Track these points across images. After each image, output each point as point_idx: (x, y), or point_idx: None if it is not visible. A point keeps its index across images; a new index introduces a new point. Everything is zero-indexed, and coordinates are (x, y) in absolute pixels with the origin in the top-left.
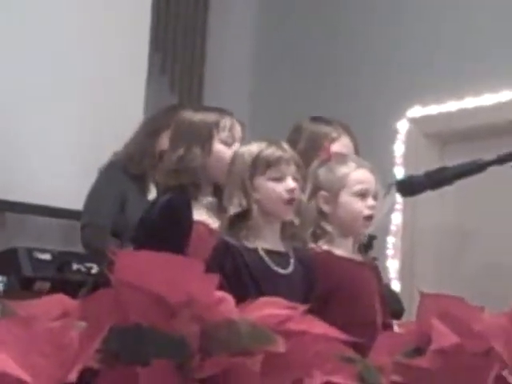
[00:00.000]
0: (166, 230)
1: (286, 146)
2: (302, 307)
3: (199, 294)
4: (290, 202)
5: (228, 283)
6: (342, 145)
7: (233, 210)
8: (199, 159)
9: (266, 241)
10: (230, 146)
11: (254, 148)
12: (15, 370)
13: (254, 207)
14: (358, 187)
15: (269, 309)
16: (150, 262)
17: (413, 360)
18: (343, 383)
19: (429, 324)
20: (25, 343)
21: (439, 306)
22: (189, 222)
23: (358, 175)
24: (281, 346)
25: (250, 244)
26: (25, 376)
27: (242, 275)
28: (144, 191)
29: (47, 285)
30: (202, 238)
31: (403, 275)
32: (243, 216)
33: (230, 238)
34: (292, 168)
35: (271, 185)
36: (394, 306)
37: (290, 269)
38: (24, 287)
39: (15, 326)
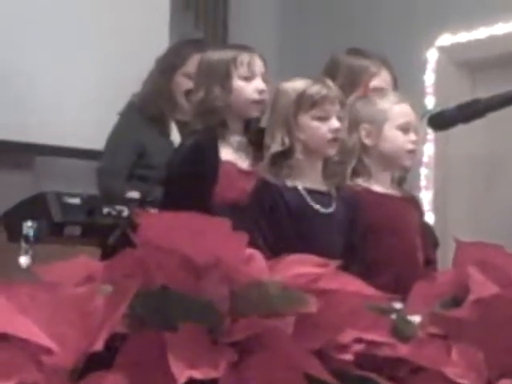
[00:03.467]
0: (194, 172)
1: (331, 83)
2: (333, 264)
3: (227, 254)
4: (334, 141)
5: (267, 222)
6: (381, 80)
7: (275, 147)
8: (220, 98)
9: (307, 180)
10: (250, 81)
11: (299, 85)
12: (40, 337)
13: (297, 146)
14: (401, 120)
15: (299, 267)
16: (175, 222)
17: (450, 311)
18: (376, 339)
19: (466, 273)
20: (49, 310)
21: (476, 254)
22: (215, 163)
23: (400, 109)
24: (312, 307)
25: (290, 183)
26: (50, 344)
27: (281, 213)
28: (164, 132)
29: (78, 229)
30: (230, 177)
31: (437, 207)
32: (285, 154)
33: (270, 177)
34: (337, 107)
35: (315, 124)
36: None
37: (332, 208)
38: (54, 232)
39: (39, 292)
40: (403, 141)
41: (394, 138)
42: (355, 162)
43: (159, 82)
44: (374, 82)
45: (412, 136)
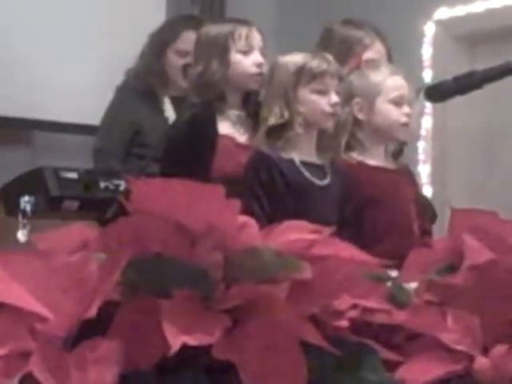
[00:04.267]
0: (191, 145)
1: (330, 58)
2: (328, 230)
3: (220, 221)
4: (332, 115)
5: (264, 193)
6: (375, 51)
7: (273, 120)
8: (219, 72)
9: (302, 152)
10: (247, 55)
11: (299, 58)
12: (34, 305)
13: (297, 119)
14: (394, 94)
15: (293, 233)
16: (167, 189)
17: (446, 278)
18: (371, 306)
19: (461, 240)
20: (43, 277)
21: (471, 221)
22: (213, 136)
23: (393, 82)
24: (307, 272)
25: (286, 155)
26: (44, 311)
27: (278, 185)
28: (158, 108)
29: (75, 204)
30: (228, 151)
31: (435, 180)
32: (282, 126)
33: (266, 149)
34: (335, 81)
35: (314, 97)
36: (426, 212)
37: (327, 180)
38: (52, 207)
39: (33, 260)
40: (396, 114)
41: (387, 112)
42: (348, 136)
43: (149, 59)
44: (368, 54)
45: (405, 109)
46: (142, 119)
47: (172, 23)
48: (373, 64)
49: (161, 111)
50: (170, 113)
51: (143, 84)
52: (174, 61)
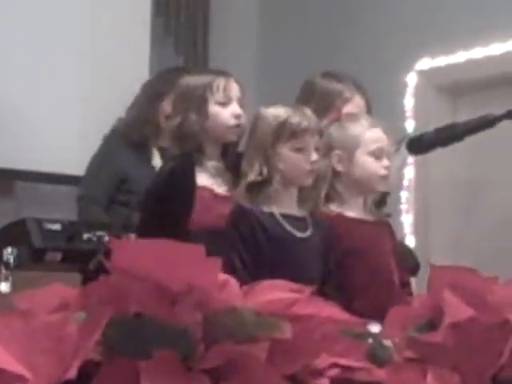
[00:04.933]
0: (170, 199)
1: (310, 114)
2: (308, 289)
3: (200, 281)
4: (311, 172)
5: (245, 247)
6: (354, 105)
7: (253, 176)
8: (197, 124)
9: (282, 206)
10: (226, 106)
11: (280, 113)
12: (14, 366)
13: (276, 175)
14: (373, 146)
15: (274, 292)
16: (148, 249)
17: (426, 335)
18: (351, 364)
19: (441, 297)
20: (23, 338)
21: (451, 278)
22: (192, 188)
23: (372, 134)
24: (287, 332)
25: (266, 208)
26: (24, 372)
27: (259, 239)
28: (147, 158)
29: (58, 255)
30: (206, 203)
31: (418, 230)
32: (261, 182)
33: (246, 203)
34: (315, 138)
35: (294, 155)
36: (408, 262)
37: (308, 232)
38: (35, 259)
39: (13, 320)
40: (375, 167)
41: (366, 164)
42: (328, 188)
43: (145, 109)
44: (348, 108)
45: (385, 162)
46: (129, 168)
47: (167, 74)
48: (352, 117)
49: (148, 160)
50: (157, 162)
51: (137, 134)
52: (169, 111)
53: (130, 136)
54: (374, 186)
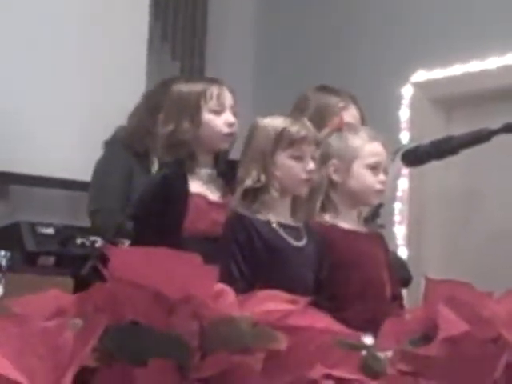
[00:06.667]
0: (163, 206)
1: (308, 123)
2: (303, 300)
3: (197, 289)
4: (307, 181)
5: (242, 255)
6: (349, 115)
7: (250, 182)
8: (189, 132)
9: (278, 214)
10: (219, 115)
11: (278, 123)
12: (9, 371)
13: (273, 183)
14: (371, 160)
15: (269, 303)
16: (145, 257)
17: (420, 348)
18: (345, 376)
19: (436, 310)
20: (19, 343)
21: (446, 291)
22: (184, 196)
23: (372, 148)
24: (282, 344)
25: (262, 216)
26: (19, 378)
27: (255, 246)
28: (148, 167)
29: (51, 259)
30: (200, 210)
31: (410, 241)
32: (258, 189)
33: (242, 210)
34: (313, 147)
35: (291, 163)
36: (401, 274)
37: (303, 242)
38: (28, 262)
39: (9, 325)
40: (372, 180)
41: (363, 177)
42: (323, 198)
43: (146, 120)
44: (344, 117)
45: (381, 176)
46: (134, 171)
47: (168, 83)
48: (353, 128)
49: (148, 170)
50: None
51: (138, 144)
52: None
53: (133, 145)
54: (368, 199)
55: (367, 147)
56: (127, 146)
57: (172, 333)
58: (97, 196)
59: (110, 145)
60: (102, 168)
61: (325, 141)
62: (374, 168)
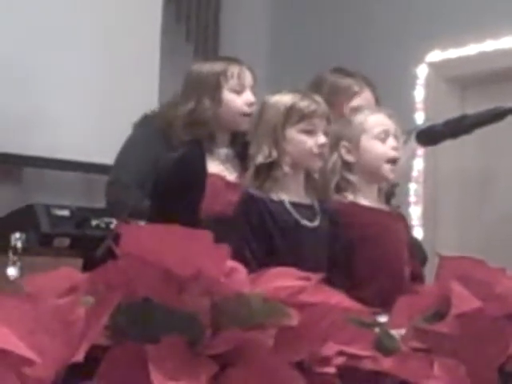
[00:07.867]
0: (180, 185)
1: (319, 99)
2: (316, 277)
3: (209, 267)
4: (319, 155)
5: (255, 236)
6: (363, 98)
7: (261, 158)
8: (210, 110)
9: (290, 193)
10: (239, 94)
11: (288, 98)
12: (22, 348)
13: (285, 158)
14: (377, 129)
15: (281, 280)
16: (157, 235)
17: (433, 325)
18: (358, 353)
19: (449, 287)
20: (31, 320)
21: (459, 268)
22: (202, 175)
23: (375, 118)
24: (294, 320)
25: (275, 196)
26: (32, 355)
27: (268, 227)
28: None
29: (66, 241)
30: (217, 190)
31: (426, 222)
32: (270, 166)
33: (255, 190)
34: (324, 122)
35: (302, 137)
36: (417, 254)
37: (317, 222)
38: (43, 244)
39: (21, 303)
40: (383, 150)
41: (373, 148)
42: (340, 180)
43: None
44: (356, 101)
45: (391, 142)
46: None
47: None
48: (356, 111)
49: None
50: None
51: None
52: None
53: (169, 136)
54: (383, 171)
55: (370, 119)
56: (163, 133)
57: (184, 310)
58: (116, 169)
59: (140, 126)
60: (129, 145)
61: (331, 129)
62: (381, 137)
